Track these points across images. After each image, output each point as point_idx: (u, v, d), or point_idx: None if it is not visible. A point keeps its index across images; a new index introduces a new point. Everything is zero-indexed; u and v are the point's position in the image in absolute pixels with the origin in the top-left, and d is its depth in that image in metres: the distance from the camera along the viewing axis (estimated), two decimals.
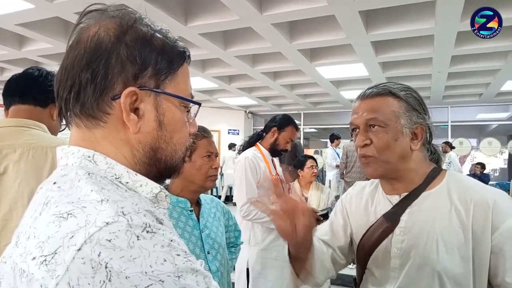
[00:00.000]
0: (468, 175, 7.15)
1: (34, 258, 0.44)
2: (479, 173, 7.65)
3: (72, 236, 0.43)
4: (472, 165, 8.34)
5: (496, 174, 10.31)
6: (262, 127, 2.61)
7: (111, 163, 0.55)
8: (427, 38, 4.63)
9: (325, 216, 2.57)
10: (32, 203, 0.53)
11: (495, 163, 10.14)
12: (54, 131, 1.32)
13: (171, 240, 0.47)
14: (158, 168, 0.60)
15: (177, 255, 0.46)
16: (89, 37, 0.55)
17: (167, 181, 1.50)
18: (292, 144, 7.11)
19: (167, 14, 3.87)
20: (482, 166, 7.88)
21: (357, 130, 1.03)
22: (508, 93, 7.61)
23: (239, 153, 2.51)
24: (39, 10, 3.81)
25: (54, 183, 0.52)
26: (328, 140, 8.02)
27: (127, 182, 0.55)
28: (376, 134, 0.98)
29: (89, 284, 0.40)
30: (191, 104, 0.63)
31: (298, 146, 6.79)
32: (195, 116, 0.65)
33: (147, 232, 0.45)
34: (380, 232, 1.01)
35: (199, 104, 0.64)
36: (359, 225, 1.11)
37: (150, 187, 0.57)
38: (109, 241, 0.42)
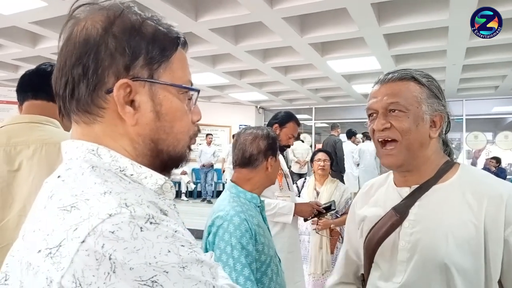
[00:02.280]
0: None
1: (39, 251, 0.44)
2: (495, 169, 7.44)
3: (76, 229, 0.43)
4: (487, 159, 8.12)
5: None
6: None
7: (115, 156, 0.54)
8: (441, 30, 4.54)
9: (328, 209, 2.56)
10: (38, 197, 0.53)
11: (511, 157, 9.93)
12: (67, 128, 1.34)
13: (175, 231, 0.47)
14: (161, 159, 0.59)
15: (182, 246, 0.46)
16: (78, 32, 0.54)
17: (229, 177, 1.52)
18: (332, 141, 6.99)
19: (178, 10, 3.88)
20: (498, 160, 7.61)
21: (374, 115, 1.00)
22: None
23: None
24: (52, 8, 3.86)
25: (59, 176, 0.52)
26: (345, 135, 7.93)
27: (131, 174, 0.55)
28: (396, 118, 0.95)
29: (93, 276, 0.41)
30: (192, 91, 0.61)
31: (337, 143, 6.69)
32: (195, 103, 0.63)
33: (151, 223, 0.45)
34: (389, 225, 0.99)
35: (198, 91, 0.62)
36: (368, 220, 1.08)
37: (155, 178, 0.57)
38: (112, 232, 0.42)
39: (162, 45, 0.56)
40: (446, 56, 5.45)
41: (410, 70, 0.99)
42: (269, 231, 1.45)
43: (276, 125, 2.47)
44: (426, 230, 0.93)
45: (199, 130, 0.65)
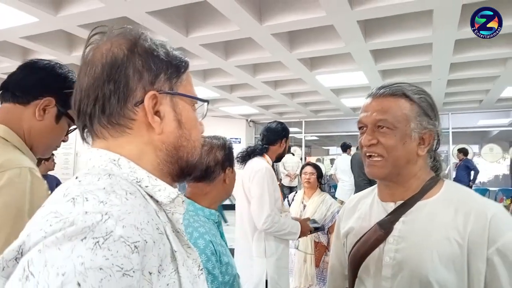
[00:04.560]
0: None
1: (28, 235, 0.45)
2: (460, 160, 7.93)
3: (60, 220, 0.44)
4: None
5: (499, 181, 10.28)
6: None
7: (134, 167, 0.58)
8: (425, 46, 4.67)
9: (318, 229, 2.61)
10: (51, 196, 0.54)
11: (498, 169, 10.12)
12: (37, 132, 1.08)
13: (113, 264, 0.42)
14: (180, 165, 0.64)
15: (84, 281, 0.40)
16: (103, 54, 0.59)
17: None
18: (358, 155, 7.00)
19: (169, 26, 3.94)
20: (465, 153, 8.05)
21: (364, 128, 1.00)
22: (508, 99, 7.62)
23: (242, 162, 2.42)
24: (43, 23, 3.89)
25: (76, 177, 0.55)
26: (329, 148, 7.97)
27: (146, 186, 0.58)
28: (384, 135, 0.95)
29: (40, 272, 0.40)
30: (198, 104, 0.68)
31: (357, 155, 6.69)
32: (205, 116, 0.71)
33: (96, 243, 0.42)
34: (373, 240, 0.98)
35: (207, 102, 0.70)
36: (353, 234, 1.08)
37: (168, 192, 0.60)
38: (62, 229, 0.42)
39: (176, 64, 0.64)
40: (431, 71, 5.58)
41: (403, 86, 0.98)
42: (226, 243, 1.36)
43: (285, 139, 2.49)
44: (411, 246, 0.93)
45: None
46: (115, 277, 0.41)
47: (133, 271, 0.43)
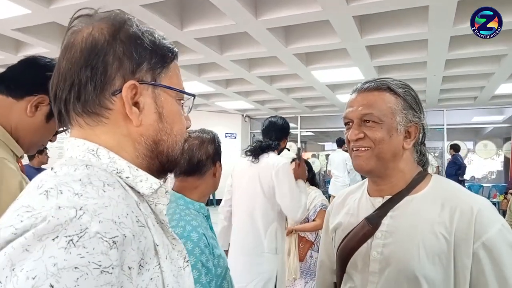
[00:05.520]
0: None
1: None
2: (451, 156, 8.02)
3: (32, 216, 0.42)
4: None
5: (493, 177, 10.39)
6: (259, 131, 2.58)
7: (113, 158, 0.56)
8: (421, 42, 4.68)
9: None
10: (25, 188, 0.52)
11: (492, 165, 10.21)
12: (24, 128, 1.07)
13: (89, 262, 0.40)
14: (160, 160, 0.61)
15: (57, 282, 0.38)
16: (83, 38, 0.56)
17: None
18: None
19: (163, 20, 3.91)
20: (456, 149, 8.14)
21: (350, 124, 1.00)
22: (502, 96, 7.67)
23: (253, 157, 2.37)
24: (36, 15, 3.84)
25: (52, 169, 0.52)
26: (325, 144, 7.97)
27: (127, 177, 0.56)
28: (370, 129, 0.95)
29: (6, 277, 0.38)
30: (185, 98, 0.65)
31: None
32: (190, 110, 0.67)
33: (70, 241, 0.40)
34: (361, 235, 0.98)
35: (194, 96, 0.66)
36: (341, 229, 1.08)
37: (150, 182, 0.58)
38: (35, 225, 0.41)
39: (162, 53, 0.61)
40: (426, 67, 5.60)
41: (387, 80, 0.99)
42: (215, 234, 1.38)
43: (288, 134, 2.51)
44: (399, 241, 0.93)
45: (189, 136, 0.67)
46: (92, 275, 0.40)
47: (112, 268, 0.42)
